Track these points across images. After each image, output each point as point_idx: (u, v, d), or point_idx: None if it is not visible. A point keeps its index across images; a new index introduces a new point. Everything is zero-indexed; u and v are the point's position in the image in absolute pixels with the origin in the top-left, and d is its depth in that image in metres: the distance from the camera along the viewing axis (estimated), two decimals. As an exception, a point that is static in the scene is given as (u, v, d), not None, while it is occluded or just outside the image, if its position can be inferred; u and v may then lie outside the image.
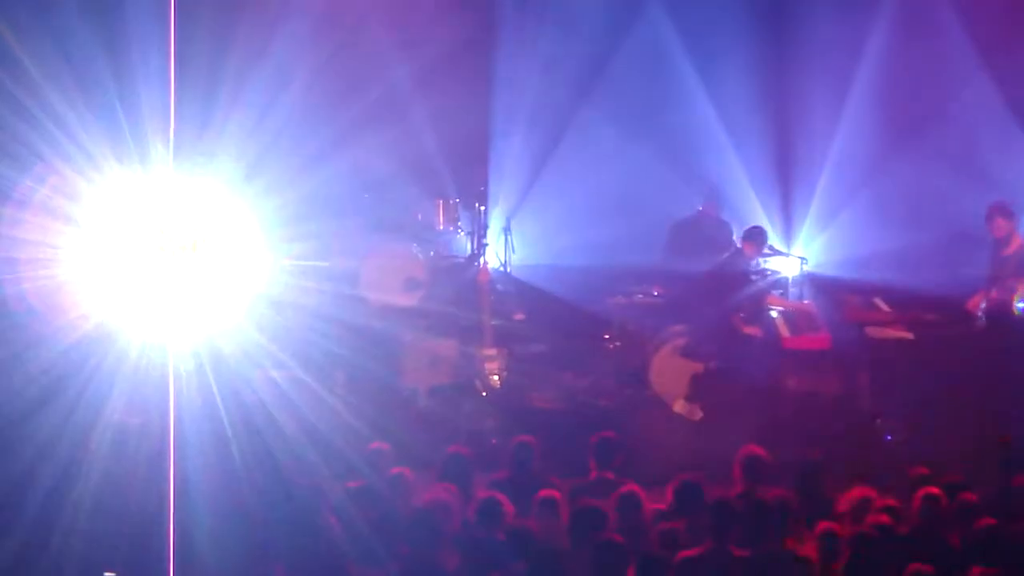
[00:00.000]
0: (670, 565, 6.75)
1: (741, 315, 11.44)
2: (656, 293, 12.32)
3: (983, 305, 11.08)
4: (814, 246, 13.59)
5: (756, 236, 11.82)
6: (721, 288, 11.48)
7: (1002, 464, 8.22)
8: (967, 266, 11.74)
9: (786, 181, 13.88)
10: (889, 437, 10.62)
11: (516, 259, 14.17)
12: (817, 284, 12.61)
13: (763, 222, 13.14)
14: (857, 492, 7.63)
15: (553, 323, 12.80)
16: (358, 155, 13.55)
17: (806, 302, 12.13)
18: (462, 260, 13.78)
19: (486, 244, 13.81)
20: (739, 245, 12.01)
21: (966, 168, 13.21)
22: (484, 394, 11.39)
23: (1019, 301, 10.89)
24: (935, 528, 7.19)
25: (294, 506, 7.14)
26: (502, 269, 14.10)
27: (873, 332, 11.23)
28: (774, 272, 12.33)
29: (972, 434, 10.08)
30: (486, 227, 13.91)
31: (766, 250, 12.16)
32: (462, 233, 14.11)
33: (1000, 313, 10.95)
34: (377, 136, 13.68)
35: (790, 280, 12.46)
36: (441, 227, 14.08)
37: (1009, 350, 10.61)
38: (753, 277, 11.83)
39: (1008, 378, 10.62)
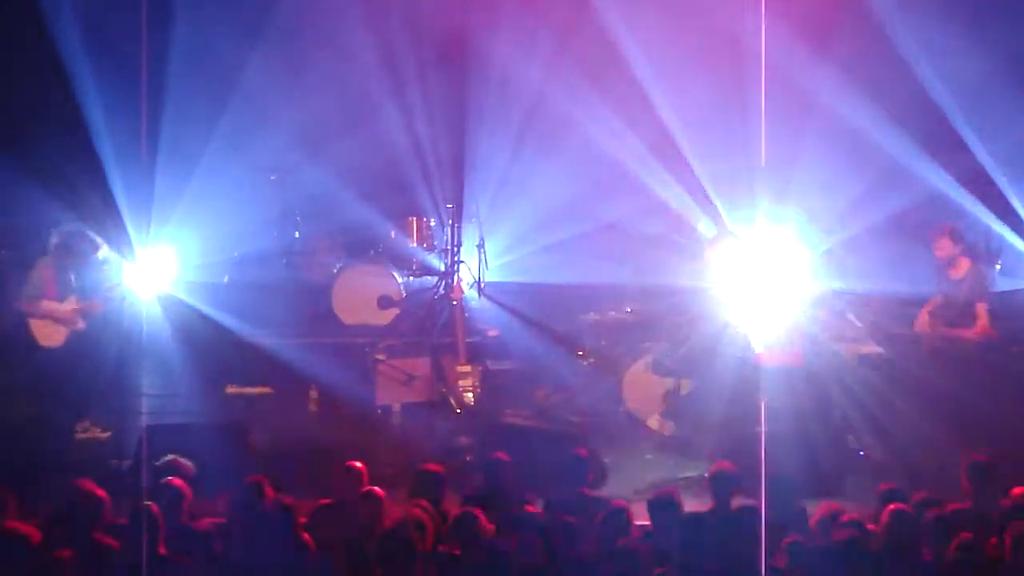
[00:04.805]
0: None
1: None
2: (629, 310, 12.31)
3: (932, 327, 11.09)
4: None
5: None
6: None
7: (974, 479, 8.20)
8: None
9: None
10: (862, 453, 10.64)
11: (490, 275, 14.16)
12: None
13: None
14: (826, 506, 7.66)
15: (527, 339, 12.81)
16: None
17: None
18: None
19: (460, 261, 13.79)
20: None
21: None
22: (458, 411, 11.36)
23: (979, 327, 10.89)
24: (907, 543, 7.21)
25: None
26: (476, 285, 14.08)
27: (845, 348, 11.25)
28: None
29: (946, 449, 10.10)
30: (460, 243, 13.88)
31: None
32: (436, 250, 14.11)
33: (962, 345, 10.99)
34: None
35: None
36: (414, 244, 14.10)
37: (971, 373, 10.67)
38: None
39: (980, 394, 10.67)
